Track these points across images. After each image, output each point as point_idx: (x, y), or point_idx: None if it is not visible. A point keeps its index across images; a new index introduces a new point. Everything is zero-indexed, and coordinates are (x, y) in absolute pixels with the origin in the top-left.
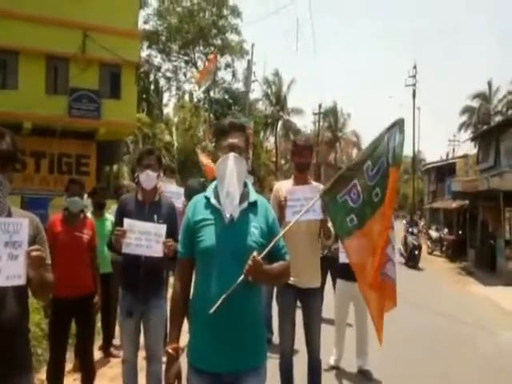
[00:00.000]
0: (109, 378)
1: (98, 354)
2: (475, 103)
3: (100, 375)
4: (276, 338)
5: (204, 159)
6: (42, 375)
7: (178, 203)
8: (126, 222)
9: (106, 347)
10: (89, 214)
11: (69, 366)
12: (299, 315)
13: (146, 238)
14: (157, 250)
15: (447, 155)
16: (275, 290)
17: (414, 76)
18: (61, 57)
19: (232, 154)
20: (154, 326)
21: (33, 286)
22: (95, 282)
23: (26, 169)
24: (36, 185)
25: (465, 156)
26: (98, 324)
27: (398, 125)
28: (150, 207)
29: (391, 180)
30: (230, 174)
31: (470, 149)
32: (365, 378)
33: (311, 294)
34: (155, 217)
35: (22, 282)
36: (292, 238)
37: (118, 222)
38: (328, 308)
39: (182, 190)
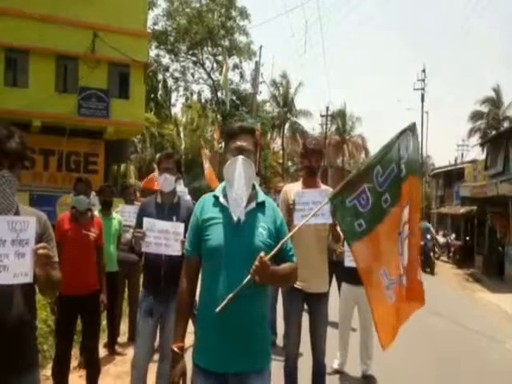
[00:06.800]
0: (113, 376)
1: (103, 352)
2: (484, 108)
3: (105, 372)
4: (280, 341)
5: (206, 164)
6: (47, 371)
7: None
8: (146, 220)
9: (111, 345)
10: (96, 213)
11: (74, 362)
12: (305, 319)
13: (164, 237)
14: (175, 249)
15: (456, 160)
16: (279, 292)
17: (423, 80)
18: (70, 56)
19: (241, 157)
20: (171, 327)
21: (40, 284)
22: (101, 280)
23: (35, 166)
24: (44, 182)
25: (473, 161)
26: (104, 322)
27: (410, 130)
28: (169, 209)
29: (412, 188)
30: (239, 176)
31: (479, 154)
32: (368, 383)
33: (319, 298)
34: (174, 218)
35: (28, 279)
36: (301, 242)
37: (138, 225)
38: (332, 311)
39: (186, 190)
